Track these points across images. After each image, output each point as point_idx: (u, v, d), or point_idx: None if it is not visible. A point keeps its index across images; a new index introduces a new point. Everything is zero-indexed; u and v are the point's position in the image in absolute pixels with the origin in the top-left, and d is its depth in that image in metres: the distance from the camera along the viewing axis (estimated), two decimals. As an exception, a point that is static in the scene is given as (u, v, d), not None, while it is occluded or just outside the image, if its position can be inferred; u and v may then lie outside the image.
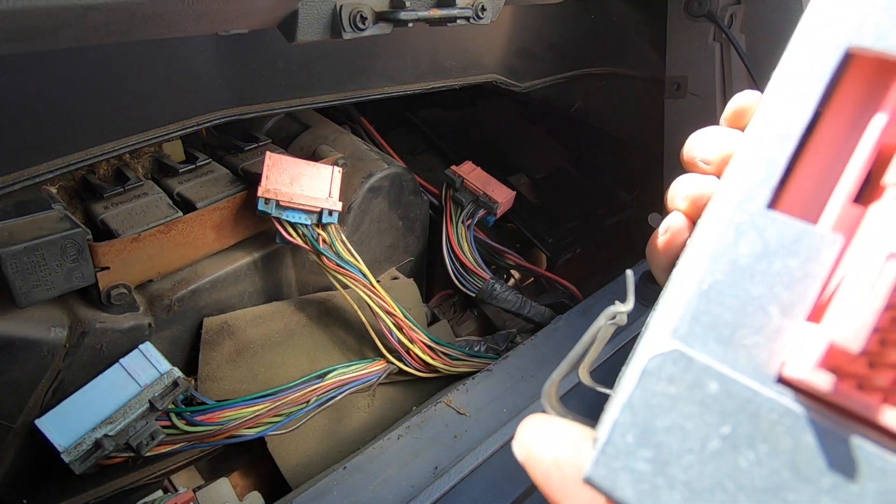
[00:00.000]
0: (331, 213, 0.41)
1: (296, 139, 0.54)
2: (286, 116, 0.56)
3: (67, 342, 0.37)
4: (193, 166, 0.45)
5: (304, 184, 0.41)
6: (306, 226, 0.41)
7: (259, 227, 0.45)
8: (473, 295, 0.53)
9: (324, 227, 0.41)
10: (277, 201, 0.40)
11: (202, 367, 0.43)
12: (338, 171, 0.42)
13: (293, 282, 0.49)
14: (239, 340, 0.45)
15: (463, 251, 0.53)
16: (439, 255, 0.54)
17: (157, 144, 0.45)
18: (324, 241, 0.41)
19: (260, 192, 0.39)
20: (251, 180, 0.45)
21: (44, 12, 0.22)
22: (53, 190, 0.40)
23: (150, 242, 0.39)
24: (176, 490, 0.38)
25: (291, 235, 0.41)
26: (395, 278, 0.56)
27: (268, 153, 0.41)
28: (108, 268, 0.38)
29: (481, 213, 0.55)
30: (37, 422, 0.35)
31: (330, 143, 0.51)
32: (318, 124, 0.56)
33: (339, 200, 0.41)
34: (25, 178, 0.32)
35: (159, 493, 0.38)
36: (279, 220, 0.41)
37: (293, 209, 0.40)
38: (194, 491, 0.38)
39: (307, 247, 0.42)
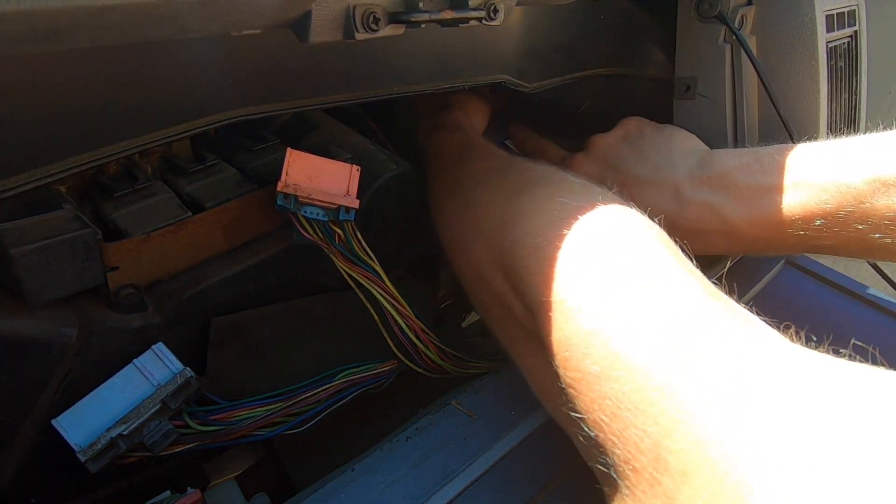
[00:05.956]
0: (348, 210, 0.41)
1: (304, 139, 0.53)
2: (294, 116, 0.56)
3: (77, 342, 0.37)
4: (202, 166, 0.45)
5: (323, 180, 0.41)
6: (322, 222, 0.41)
7: (268, 227, 0.45)
8: None
9: (340, 224, 0.41)
10: (296, 197, 0.40)
11: (210, 367, 0.43)
12: (356, 170, 0.42)
13: (301, 282, 0.49)
14: (247, 340, 0.45)
15: None
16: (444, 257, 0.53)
17: (167, 144, 0.45)
18: (339, 238, 0.42)
19: (280, 187, 0.39)
20: (260, 180, 0.45)
21: (60, 13, 0.22)
22: (63, 189, 0.40)
23: (160, 242, 0.39)
24: (184, 490, 0.38)
25: (308, 232, 0.41)
26: (402, 279, 0.56)
27: (289, 149, 0.41)
28: (117, 268, 0.38)
29: None
30: (53, 421, 0.35)
31: (338, 143, 0.51)
32: (325, 124, 0.56)
33: (357, 199, 0.41)
34: (38, 178, 0.32)
35: (167, 493, 0.38)
36: (296, 216, 0.41)
37: (311, 205, 0.40)
38: (202, 491, 0.38)
39: (323, 243, 0.42)
